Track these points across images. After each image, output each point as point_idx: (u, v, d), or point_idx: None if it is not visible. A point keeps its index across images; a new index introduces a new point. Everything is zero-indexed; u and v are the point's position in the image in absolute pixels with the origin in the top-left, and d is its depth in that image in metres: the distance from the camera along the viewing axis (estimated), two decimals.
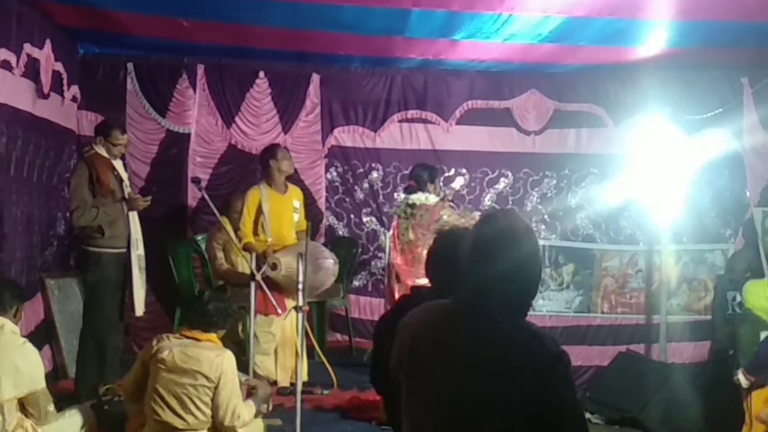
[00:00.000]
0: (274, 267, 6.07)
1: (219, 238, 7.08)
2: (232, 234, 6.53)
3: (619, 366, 7.83)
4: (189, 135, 8.04)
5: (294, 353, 6.22)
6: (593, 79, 8.39)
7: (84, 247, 5.95)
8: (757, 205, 8.34)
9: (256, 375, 5.82)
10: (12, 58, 5.78)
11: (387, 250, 7.20)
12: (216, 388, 4.43)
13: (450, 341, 2.32)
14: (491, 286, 2.29)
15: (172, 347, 4.48)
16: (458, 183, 8.45)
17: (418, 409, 2.39)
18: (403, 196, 7.36)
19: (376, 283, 8.27)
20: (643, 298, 8.55)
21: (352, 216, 8.38)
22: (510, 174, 8.51)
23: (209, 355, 4.46)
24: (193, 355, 4.45)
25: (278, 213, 6.52)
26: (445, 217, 6.66)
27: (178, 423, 4.43)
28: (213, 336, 4.61)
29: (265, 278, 5.92)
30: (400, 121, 8.41)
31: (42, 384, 4.48)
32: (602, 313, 8.55)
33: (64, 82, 7.12)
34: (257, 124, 8.17)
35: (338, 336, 8.05)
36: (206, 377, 4.41)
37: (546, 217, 8.52)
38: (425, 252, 3.46)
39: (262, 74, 8.15)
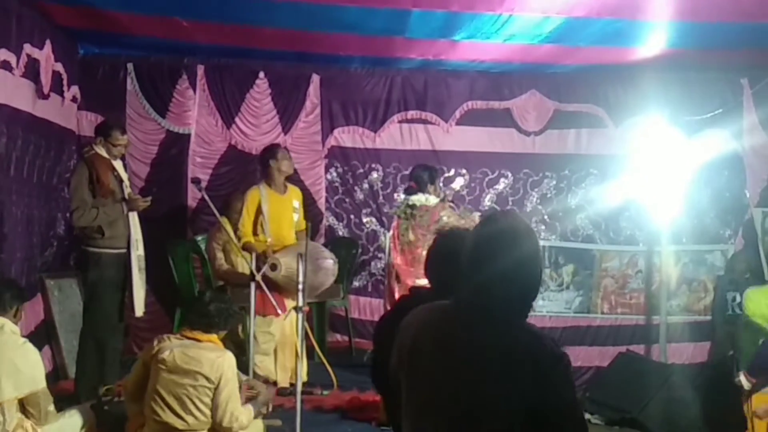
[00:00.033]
0: (273, 267, 6.07)
1: (219, 238, 7.08)
2: (231, 234, 6.53)
3: (619, 366, 7.81)
4: (189, 135, 8.04)
5: (294, 354, 6.22)
6: (593, 79, 8.40)
7: (84, 247, 5.95)
8: (756, 206, 8.35)
9: (255, 375, 5.82)
10: (12, 58, 5.78)
11: (387, 250, 7.20)
12: (216, 389, 4.43)
13: (450, 341, 2.33)
14: (492, 286, 2.29)
15: (173, 348, 4.48)
16: (458, 183, 8.46)
17: (418, 409, 2.39)
18: (403, 196, 7.36)
19: (376, 284, 8.27)
20: (643, 298, 8.56)
21: (352, 216, 8.38)
22: (510, 174, 8.51)
23: (210, 356, 4.46)
24: (194, 356, 4.44)
25: (278, 213, 6.52)
26: (444, 218, 6.66)
27: (178, 423, 4.43)
28: (214, 337, 4.60)
29: (265, 279, 5.92)
30: (400, 122, 8.42)
31: (42, 384, 4.48)
32: (602, 313, 8.55)
33: (64, 82, 7.12)
34: (257, 124, 8.17)
35: (338, 336, 8.05)
36: (206, 378, 4.41)
37: (546, 217, 8.52)
38: (425, 252, 3.46)
39: (262, 75, 8.15)
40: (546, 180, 8.53)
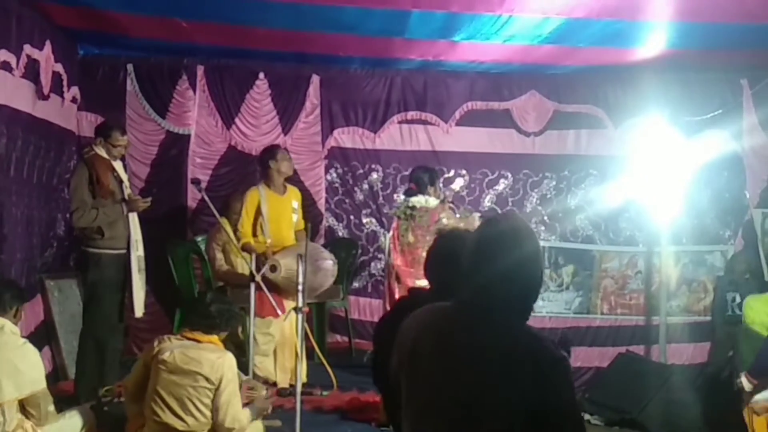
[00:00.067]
0: (273, 269, 6.06)
1: (219, 239, 7.08)
2: (231, 235, 6.53)
3: (619, 367, 7.82)
4: (189, 136, 8.04)
5: (293, 354, 6.22)
6: (593, 80, 8.40)
7: (84, 248, 5.96)
8: (756, 207, 8.35)
9: (255, 376, 5.82)
10: (12, 59, 5.77)
11: (386, 251, 7.20)
12: (217, 390, 4.43)
13: (450, 342, 2.33)
14: (492, 286, 2.30)
15: (174, 348, 4.48)
16: (458, 184, 8.46)
17: (418, 410, 2.39)
18: (402, 197, 7.36)
19: (376, 284, 8.27)
20: (642, 299, 8.56)
21: (351, 217, 8.38)
22: (509, 175, 8.51)
23: (210, 357, 4.46)
24: (194, 357, 4.44)
25: (277, 214, 6.51)
26: (444, 220, 6.65)
27: (177, 424, 4.43)
28: (214, 338, 4.60)
29: (265, 280, 5.92)
30: (399, 122, 8.42)
31: (42, 385, 4.48)
32: (602, 314, 8.55)
33: (64, 83, 7.12)
34: (257, 125, 8.17)
35: (338, 337, 8.05)
36: (207, 379, 4.41)
37: (545, 218, 8.52)
38: (425, 253, 3.46)
39: (261, 75, 8.15)
40: (546, 181, 8.53)
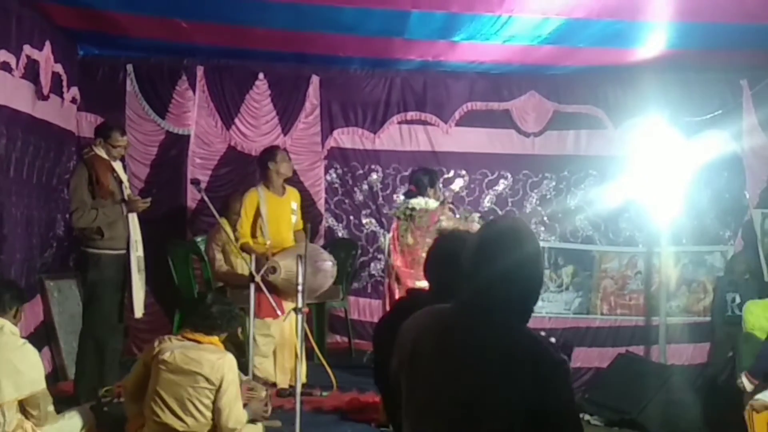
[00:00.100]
0: (273, 271, 6.05)
1: (218, 239, 7.08)
2: (231, 235, 6.53)
3: (619, 367, 7.83)
4: (188, 136, 8.04)
5: (293, 355, 6.22)
6: (593, 80, 8.40)
7: (83, 248, 5.96)
8: (756, 207, 8.36)
9: (255, 377, 5.82)
10: (12, 59, 5.77)
11: (386, 251, 7.20)
12: (218, 391, 4.43)
13: (451, 342, 2.34)
14: (493, 287, 2.31)
15: (174, 349, 4.48)
16: (457, 184, 8.46)
17: (418, 411, 2.40)
18: (402, 198, 7.36)
19: (376, 285, 8.27)
20: (642, 299, 8.56)
21: (351, 217, 8.38)
22: (509, 175, 8.52)
23: (210, 358, 4.46)
24: (195, 357, 4.45)
25: (276, 215, 6.51)
26: (443, 222, 6.64)
27: (177, 425, 4.43)
28: (215, 339, 4.61)
29: (264, 281, 5.92)
30: (399, 123, 8.42)
31: (42, 385, 4.48)
32: (601, 314, 8.55)
33: (64, 83, 7.12)
34: (257, 125, 8.17)
35: (338, 338, 8.05)
36: (207, 379, 4.41)
37: (545, 218, 8.53)
38: (425, 254, 3.45)
39: (261, 76, 8.15)
40: (545, 181, 8.53)
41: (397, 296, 6.58)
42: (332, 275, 6.44)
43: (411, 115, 8.42)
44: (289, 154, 7.59)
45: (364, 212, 8.39)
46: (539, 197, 8.54)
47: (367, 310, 8.22)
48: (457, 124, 8.44)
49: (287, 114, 8.21)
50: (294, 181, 7.23)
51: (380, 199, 8.38)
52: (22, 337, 4.65)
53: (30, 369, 4.42)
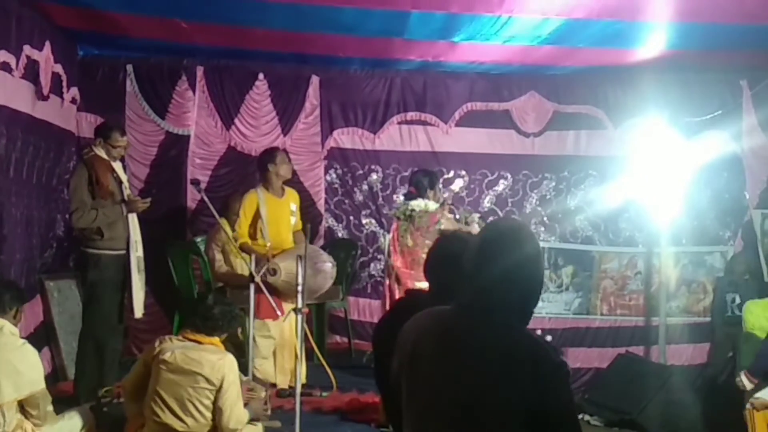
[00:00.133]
0: (273, 272, 6.05)
1: (218, 239, 7.08)
2: (230, 235, 6.53)
3: (618, 368, 7.83)
4: (188, 137, 8.03)
5: (293, 356, 6.22)
6: (592, 81, 8.40)
7: (83, 248, 5.96)
8: (756, 207, 8.36)
9: (255, 378, 5.82)
10: (11, 59, 5.77)
11: (386, 252, 7.20)
12: (218, 391, 4.43)
13: (451, 344, 2.34)
14: (493, 287, 2.32)
15: (175, 349, 4.49)
16: (457, 185, 8.46)
17: (418, 412, 2.40)
18: (402, 199, 7.35)
19: (376, 285, 8.27)
20: (642, 300, 8.56)
21: (351, 218, 8.38)
22: (509, 176, 8.51)
23: (211, 358, 4.46)
24: (195, 358, 4.45)
25: (276, 217, 6.51)
26: (443, 224, 6.62)
27: (177, 425, 4.43)
28: (215, 339, 4.61)
29: (264, 282, 5.92)
30: (399, 123, 8.42)
31: (42, 385, 4.49)
32: (601, 315, 8.55)
33: (64, 83, 7.11)
34: (257, 125, 8.17)
35: (337, 338, 8.05)
36: (207, 380, 4.41)
37: (545, 219, 8.53)
38: (424, 254, 3.45)
39: (261, 76, 8.15)
40: (545, 181, 8.53)
41: (397, 297, 6.58)
42: (332, 277, 6.45)
43: (411, 115, 8.42)
44: (289, 154, 7.59)
45: (363, 212, 8.39)
46: (539, 197, 8.54)
47: (367, 310, 8.22)
48: (457, 125, 8.44)
49: (287, 114, 8.21)
50: (294, 181, 7.23)
51: (380, 199, 8.38)
52: (22, 338, 4.65)
53: (29, 369, 4.42)
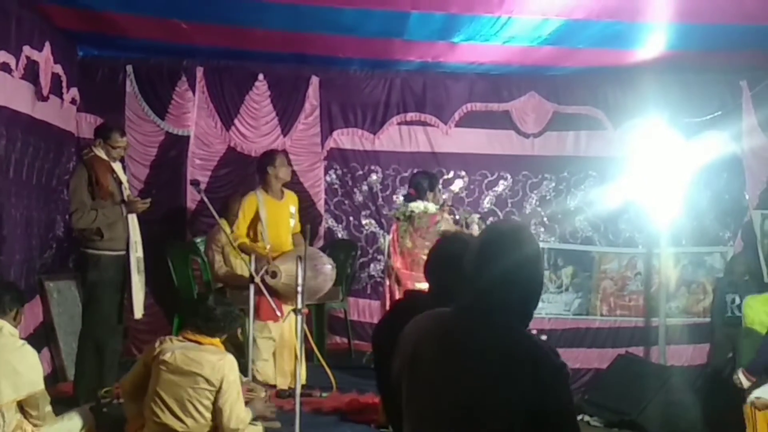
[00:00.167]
0: (274, 275, 6.05)
1: (218, 240, 7.08)
2: (230, 236, 6.53)
3: (618, 368, 7.83)
4: (188, 137, 8.03)
5: (293, 357, 6.22)
6: (592, 81, 8.40)
7: (83, 249, 5.96)
8: (755, 208, 8.36)
9: (255, 380, 5.82)
10: (11, 60, 5.77)
11: (386, 252, 7.20)
12: (218, 391, 4.43)
13: (451, 346, 2.35)
14: (493, 288, 2.32)
15: (175, 349, 4.48)
16: (457, 185, 8.46)
17: (418, 414, 2.41)
18: (401, 200, 7.35)
19: (375, 286, 8.27)
20: (642, 300, 8.55)
21: (351, 218, 8.38)
22: (509, 176, 8.51)
23: (211, 359, 4.45)
24: (195, 358, 4.44)
25: (276, 219, 6.51)
26: (442, 227, 6.61)
27: (177, 426, 4.43)
28: (216, 340, 4.60)
29: (265, 285, 5.92)
30: (399, 124, 8.42)
31: (41, 386, 4.49)
32: (601, 315, 8.55)
33: (64, 84, 7.11)
34: (256, 126, 8.17)
35: (337, 339, 8.05)
36: (207, 380, 4.41)
37: (545, 219, 8.52)
38: (424, 255, 3.46)
39: (261, 77, 8.15)
40: (545, 182, 8.53)
41: (397, 297, 6.57)
42: (332, 279, 6.45)
43: (411, 116, 8.42)
44: (289, 155, 7.63)
45: (363, 213, 8.39)
46: (539, 198, 8.54)
47: (367, 311, 8.22)
48: (456, 125, 8.44)
49: (287, 115, 8.21)
50: (293, 182, 7.23)
51: (380, 200, 8.38)
52: (22, 339, 4.66)
53: (29, 370, 4.42)
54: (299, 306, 5.15)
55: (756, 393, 6.17)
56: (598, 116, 8.49)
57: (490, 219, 8.07)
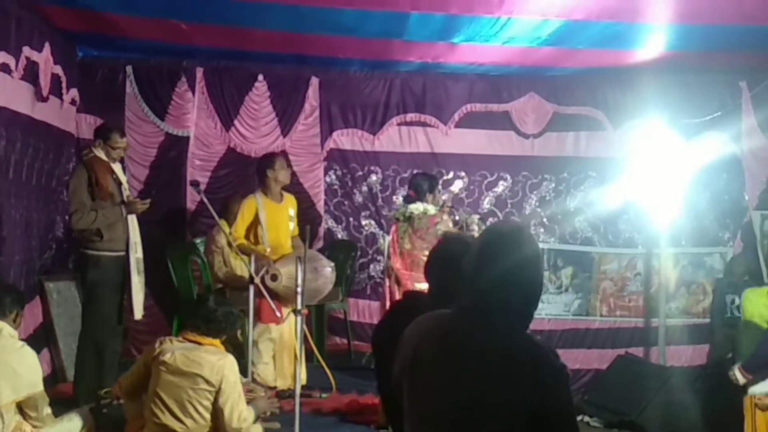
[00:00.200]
0: (274, 278, 6.05)
1: (218, 241, 7.08)
2: (230, 237, 6.53)
3: (618, 369, 7.83)
4: (188, 138, 8.03)
5: (292, 359, 6.22)
6: (592, 82, 8.40)
7: (83, 250, 5.97)
8: (755, 209, 8.35)
9: (254, 381, 5.82)
10: (11, 61, 5.77)
11: (386, 253, 7.20)
12: (218, 392, 4.43)
13: (451, 347, 2.35)
14: (493, 289, 2.32)
15: (175, 350, 4.48)
16: (457, 186, 8.45)
17: (419, 415, 2.41)
18: (401, 200, 7.35)
19: (375, 287, 8.26)
20: (641, 301, 8.55)
21: (350, 219, 8.38)
22: (509, 177, 8.51)
23: (211, 359, 4.45)
24: (195, 359, 4.44)
25: (275, 222, 6.52)
26: (441, 229, 6.61)
27: (176, 426, 4.43)
28: (216, 340, 4.60)
29: (264, 286, 5.92)
30: (399, 125, 8.41)
31: (40, 387, 4.49)
32: (601, 316, 8.54)
33: (63, 85, 7.11)
34: (256, 127, 8.16)
35: (337, 339, 8.04)
36: (207, 381, 4.41)
37: (545, 220, 8.52)
38: (423, 256, 3.46)
39: (261, 77, 8.15)
40: (545, 183, 8.53)
41: (397, 298, 6.57)
42: (332, 281, 6.45)
43: (410, 116, 8.42)
44: (289, 155, 7.63)
45: (363, 214, 8.39)
46: (538, 199, 8.54)
47: (367, 311, 8.22)
48: (456, 126, 8.43)
49: (287, 115, 8.21)
50: (293, 182, 7.23)
51: (380, 200, 8.38)
52: (22, 339, 4.66)
53: (28, 371, 4.43)
54: (299, 307, 5.15)
55: (756, 388, 6.18)
56: (597, 117, 8.49)
57: (490, 220, 8.06)
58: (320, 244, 8.08)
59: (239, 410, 4.47)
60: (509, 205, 8.49)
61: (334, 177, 8.36)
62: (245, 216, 6.46)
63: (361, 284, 8.34)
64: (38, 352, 4.70)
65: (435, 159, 8.39)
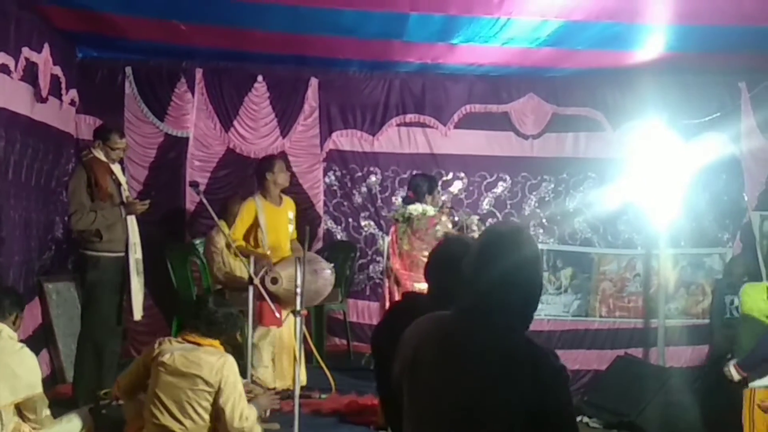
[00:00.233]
0: (275, 281, 6.05)
1: (217, 242, 7.08)
2: (229, 238, 6.53)
3: (617, 370, 7.83)
4: (187, 139, 8.03)
5: (292, 360, 6.21)
6: (591, 83, 8.40)
7: (82, 251, 5.96)
8: (754, 209, 8.35)
9: (253, 382, 5.81)
10: (10, 62, 5.77)
11: (385, 254, 7.20)
12: (217, 392, 4.42)
13: (451, 348, 2.35)
14: (493, 290, 2.33)
15: (174, 351, 4.48)
16: (456, 187, 8.45)
17: (419, 415, 2.41)
18: (400, 201, 7.35)
19: (375, 287, 8.26)
20: (641, 302, 8.55)
21: (350, 220, 8.38)
22: (508, 178, 8.51)
23: (210, 360, 4.45)
24: (194, 360, 4.44)
25: (275, 225, 6.52)
26: (440, 230, 6.61)
27: (176, 427, 4.42)
28: (215, 341, 4.60)
29: (264, 287, 5.91)
30: (398, 125, 8.42)
31: (39, 389, 4.49)
32: (600, 317, 8.55)
33: (63, 86, 7.11)
34: (256, 128, 8.17)
35: (336, 340, 8.04)
36: (206, 382, 4.41)
37: (544, 221, 8.52)
38: (423, 257, 3.46)
39: (260, 78, 8.15)
40: (544, 183, 8.53)
41: (396, 299, 6.57)
42: (331, 283, 6.45)
43: (410, 117, 8.42)
44: (288, 156, 7.62)
45: (362, 214, 8.39)
46: (538, 199, 8.54)
47: (366, 312, 8.22)
48: (455, 127, 8.43)
49: (286, 116, 8.21)
50: (293, 183, 7.23)
51: (379, 201, 8.38)
52: (21, 340, 4.66)
53: (27, 373, 4.42)
54: (298, 307, 5.15)
55: (757, 382, 6.18)
56: (597, 117, 8.49)
57: (489, 221, 8.06)
58: (319, 244, 8.08)
59: (240, 409, 4.46)
60: (508, 206, 8.49)
61: (333, 178, 8.36)
62: (244, 219, 6.46)
63: (360, 285, 8.34)
64: (37, 352, 4.71)
65: (434, 160, 8.39)
